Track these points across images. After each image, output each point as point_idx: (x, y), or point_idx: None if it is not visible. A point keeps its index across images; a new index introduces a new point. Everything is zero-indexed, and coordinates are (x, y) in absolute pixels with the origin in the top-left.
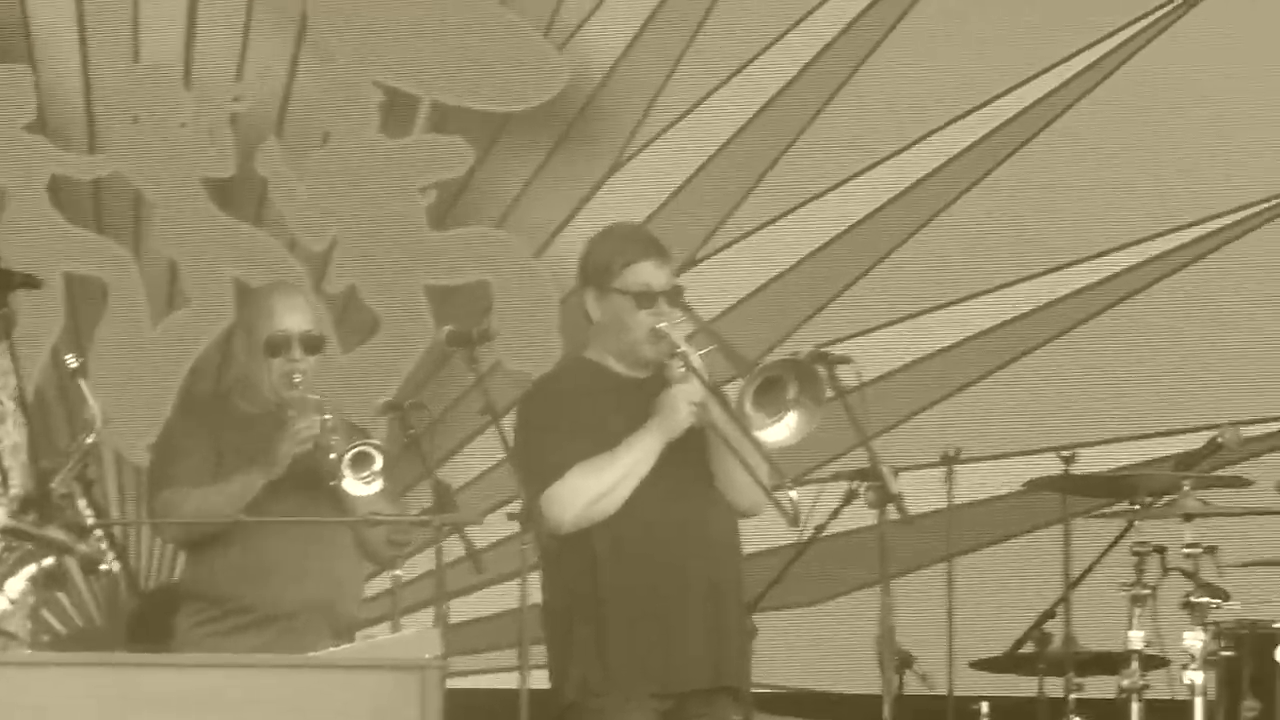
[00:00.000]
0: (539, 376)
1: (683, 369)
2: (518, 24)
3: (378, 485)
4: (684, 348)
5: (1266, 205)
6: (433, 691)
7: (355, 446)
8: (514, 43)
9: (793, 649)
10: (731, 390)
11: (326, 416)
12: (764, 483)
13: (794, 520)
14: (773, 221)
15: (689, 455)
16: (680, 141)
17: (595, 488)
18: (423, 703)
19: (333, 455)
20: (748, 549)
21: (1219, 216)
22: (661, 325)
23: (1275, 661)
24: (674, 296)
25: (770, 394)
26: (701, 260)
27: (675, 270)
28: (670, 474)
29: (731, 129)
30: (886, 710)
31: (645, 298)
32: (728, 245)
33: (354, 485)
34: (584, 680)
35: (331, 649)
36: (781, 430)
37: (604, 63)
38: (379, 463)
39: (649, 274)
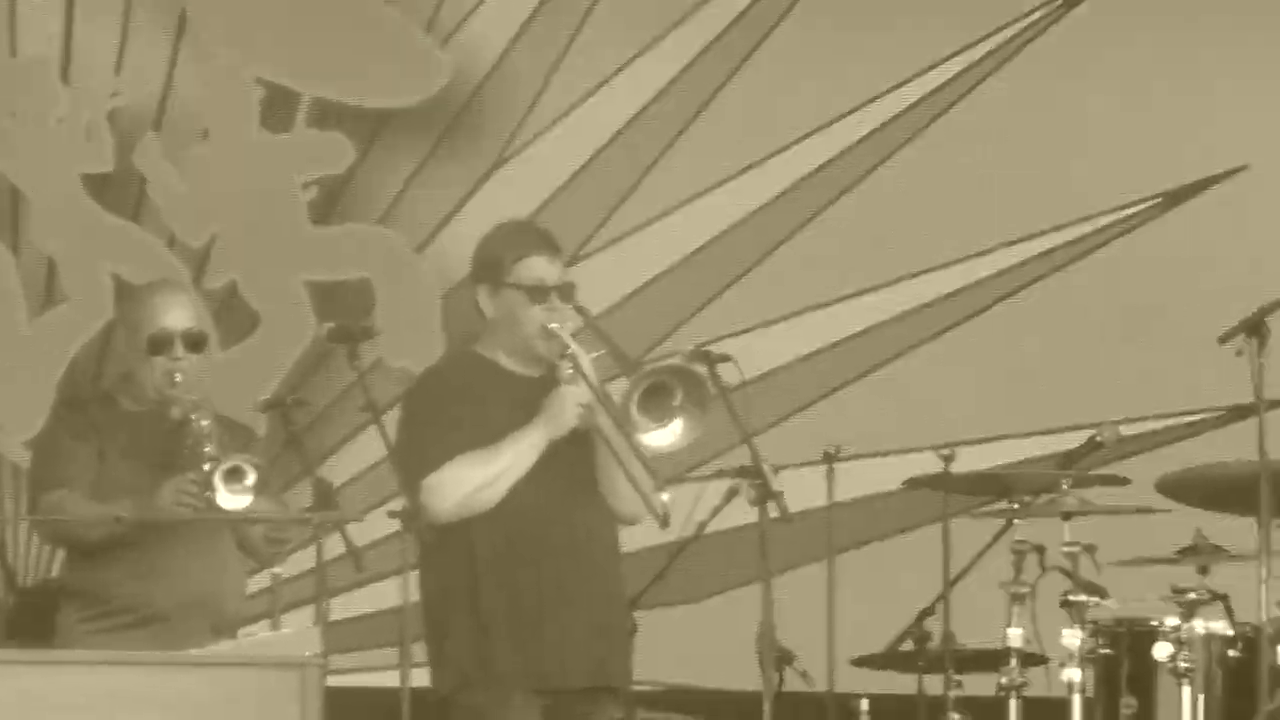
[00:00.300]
0: (426, 369)
1: (571, 370)
2: (399, 20)
3: (248, 500)
4: (574, 349)
5: (1143, 206)
6: (313, 689)
7: (228, 462)
8: (396, 39)
9: (674, 646)
10: (617, 389)
11: (204, 423)
12: (644, 491)
13: (664, 523)
14: (655, 219)
15: (575, 454)
16: (564, 138)
17: (476, 479)
18: (303, 701)
19: (206, 466)
20: (630, 546)
21: (1097, 216)
22: (553, 325)
23: (1153, 659)
24: (566, 292)
25: (656, 399)
26: (584, 257)
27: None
28: (554, 472)
29: (616, 125)
30: (767, 707)
31: (538, 293)
32: (611, 243)
33: (225, 498)
34: (463, 673)
35: (212, 647)
36: (667, 436)
37: (487, 59)
38: (251, 478)
39: (542, 269)
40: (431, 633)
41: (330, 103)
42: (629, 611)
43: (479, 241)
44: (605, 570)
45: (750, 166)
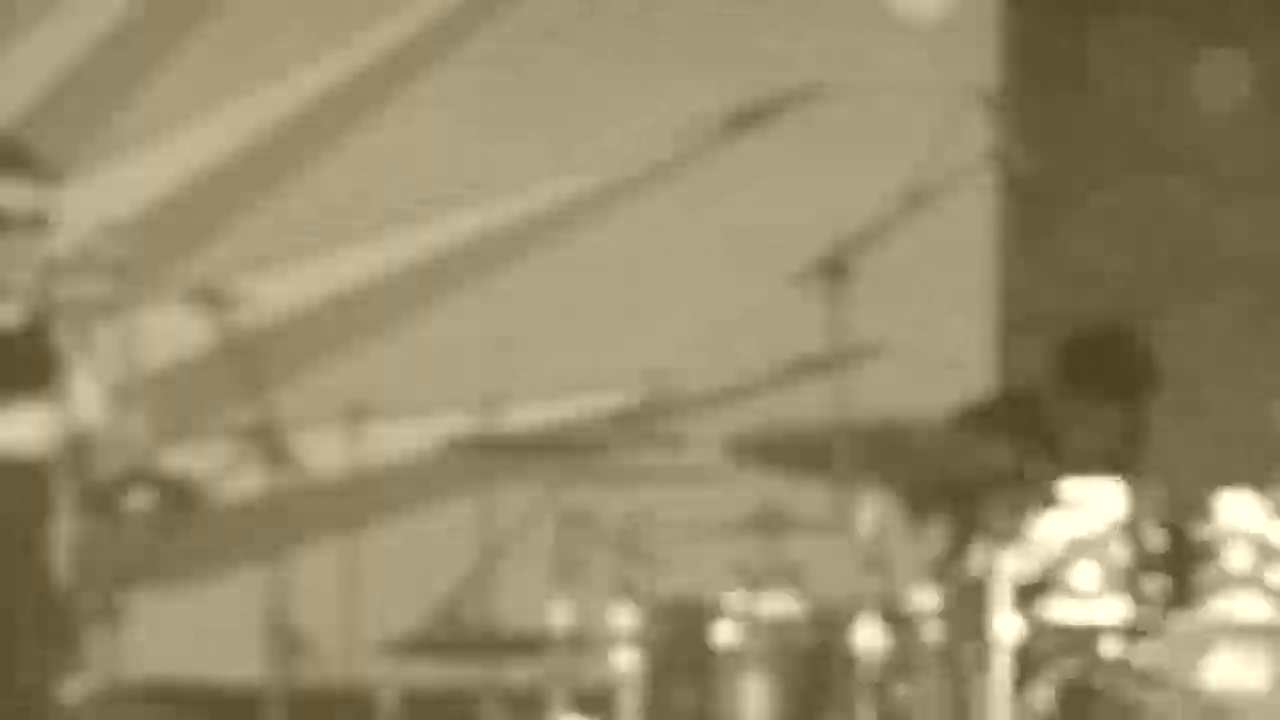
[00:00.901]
0: None
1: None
2: None
3: None
4: (84, 339)
5: (709, 131)
6: None
7: None
8: None
9: (169, 632)
10: None
11: None
12: None
13: None
14: (152, 135)
15: None
16: (45, 38)
17: None
18: None
19: None
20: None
21: (659, 145)
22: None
23: (714, 642)
24: (35, 224)
25: None
26: (69, 176)
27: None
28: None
29: (99, 32)
30: (275, 698)
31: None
32: (101, 159)
33: None
34: None
35: None
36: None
37: None
38: None
39: (5, 194)
40: None
41: None
42: (114, 591)
43: None
44: (39, 567)
45: (260, 83)
